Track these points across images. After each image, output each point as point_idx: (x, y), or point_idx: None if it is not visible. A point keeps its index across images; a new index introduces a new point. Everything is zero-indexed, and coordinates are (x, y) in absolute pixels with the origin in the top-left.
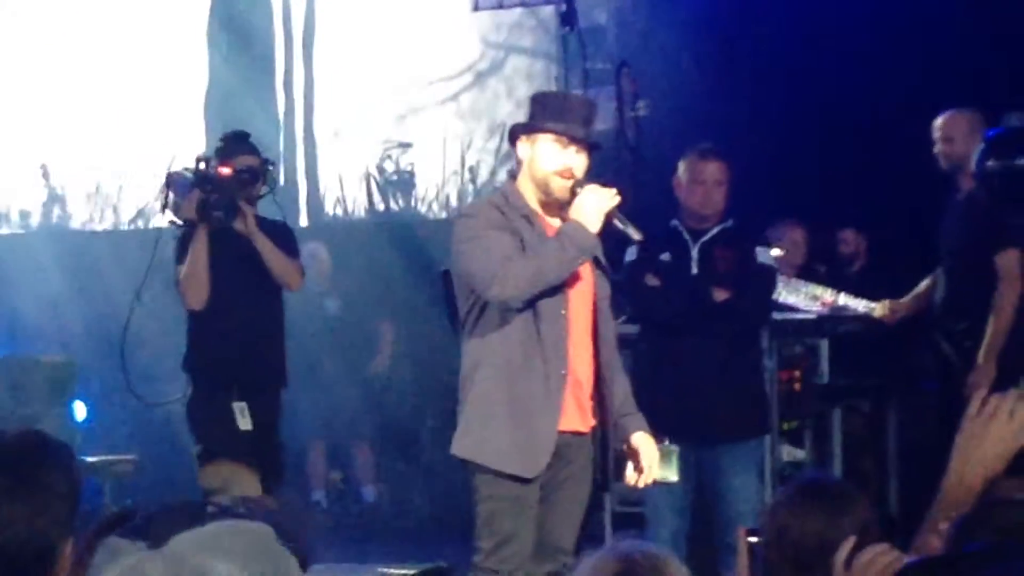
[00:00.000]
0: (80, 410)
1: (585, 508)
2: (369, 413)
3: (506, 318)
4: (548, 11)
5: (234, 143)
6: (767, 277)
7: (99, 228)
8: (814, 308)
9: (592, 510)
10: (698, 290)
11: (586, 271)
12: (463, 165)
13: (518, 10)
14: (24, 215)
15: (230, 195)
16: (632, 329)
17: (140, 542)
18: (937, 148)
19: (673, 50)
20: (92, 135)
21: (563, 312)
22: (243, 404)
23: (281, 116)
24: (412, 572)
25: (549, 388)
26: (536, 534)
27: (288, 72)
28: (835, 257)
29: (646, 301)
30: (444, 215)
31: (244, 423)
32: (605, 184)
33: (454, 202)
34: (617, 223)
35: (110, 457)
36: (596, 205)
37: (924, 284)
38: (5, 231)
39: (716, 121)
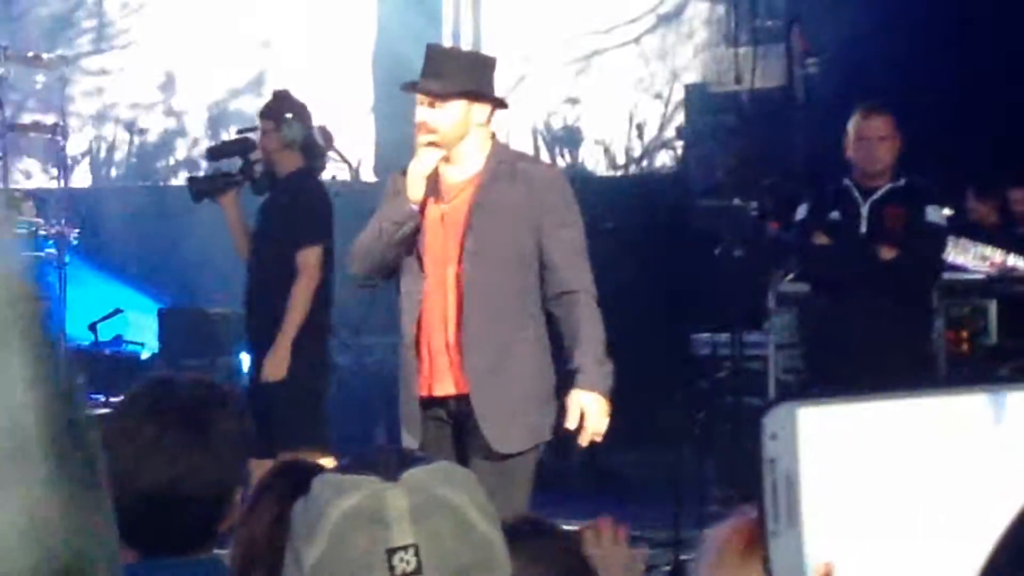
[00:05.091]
0: (246, 362)
1: (510, 475)
2: None
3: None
4: None
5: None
6: (937, 236)
7: None
8: (983, 269)
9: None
10: (866, 249)
11: (456, 234)
12: (631, 122)
13: None
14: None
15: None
16: (802, 287)
17: (371, 476)
18: None
19: (846, 7)
20: (255, 86)
21: (421, 286)
22: (244, 357)
23: None
24: None
25: (409, 360)
26: None
27: (456, 25)
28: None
29: (815, 260)
30: (611, 172)
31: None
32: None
33: (620, 159)
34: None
35: None
36: (412, 171)
37: None
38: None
39: (889, 79)
